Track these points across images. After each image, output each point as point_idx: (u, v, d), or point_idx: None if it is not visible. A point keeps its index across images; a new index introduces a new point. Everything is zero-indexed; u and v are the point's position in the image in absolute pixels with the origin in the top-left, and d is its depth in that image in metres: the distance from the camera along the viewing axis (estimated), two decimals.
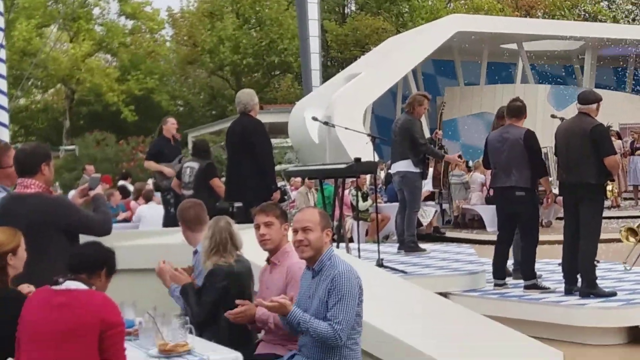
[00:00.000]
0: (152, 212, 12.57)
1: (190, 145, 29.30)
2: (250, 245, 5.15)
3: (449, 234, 16.21)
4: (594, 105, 7.67)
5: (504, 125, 8.17)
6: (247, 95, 8.53)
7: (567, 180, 7.71)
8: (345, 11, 48.27)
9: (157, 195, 12.96)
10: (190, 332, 4.15)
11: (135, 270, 5.75)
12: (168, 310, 4.40)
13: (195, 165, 9.42)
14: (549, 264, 9.31)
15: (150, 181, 15.97)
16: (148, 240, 7.27)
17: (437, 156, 9.41)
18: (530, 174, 7.82)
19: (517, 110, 8.04)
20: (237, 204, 8.08)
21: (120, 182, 19.65)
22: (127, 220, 14.28)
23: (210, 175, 9.35)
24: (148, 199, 13.93)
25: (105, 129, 33.50)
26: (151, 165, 10.48)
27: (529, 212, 7.91)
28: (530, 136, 7.85)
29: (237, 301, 4.62)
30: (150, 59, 42.31)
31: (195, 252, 5.39)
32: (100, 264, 3.93)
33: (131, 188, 17.45)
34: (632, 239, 9.12)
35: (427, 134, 11.66)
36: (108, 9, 41.73)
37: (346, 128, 10.64)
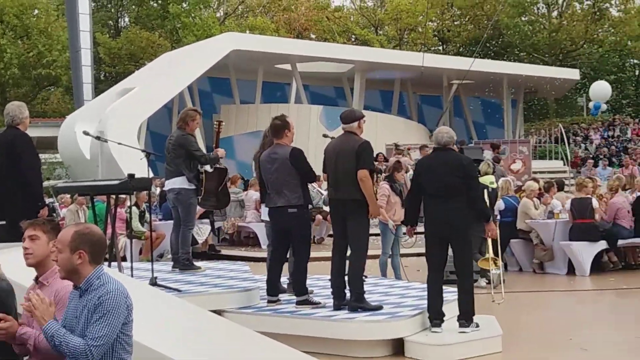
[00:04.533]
0: None
1: None
2: (17, 264, 4.86)
3: (225, 251, 16.24)
4: (356, 124, 7.97)
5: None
6: (17, 108, 8.10)
7: (335, 197, 7.96)
8: (119, 25, 47.31)
9: None
10: None
11: None
12: None
13: None
14: (320, 279, 9.55)
15: None
16: None
17: (216, 161, 9.31)
18: (301, 191, 7.99)
19: (274, 128, 8.19)
20: (0, 222, 7.62)
21: None
22: None
23: None
24: None
25: None
26: None
27: (300, 229, 8.05)
28: (296, 154, 8.00)
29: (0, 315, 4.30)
30: None
31: None
32: None
33: None
34: (496, 265, 9.62)
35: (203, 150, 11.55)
36: None
37: (119, 143, 10.39)
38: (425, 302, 7.64)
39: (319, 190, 16.46)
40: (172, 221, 9.97)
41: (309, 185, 8.73)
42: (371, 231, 8.29)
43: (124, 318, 4.13)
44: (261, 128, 23.54)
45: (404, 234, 11.84)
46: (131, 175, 8.08)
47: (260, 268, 10.18)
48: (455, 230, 7.53)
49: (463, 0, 44.31)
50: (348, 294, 7.83)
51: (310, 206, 8.40)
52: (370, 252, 8.12)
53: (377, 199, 8.32)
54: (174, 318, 6.09)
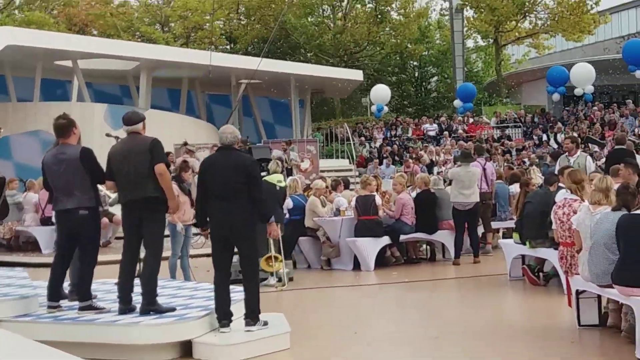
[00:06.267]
0: None
1: None
2: None
3: (1, 257, 15.36)
4: (141, 124, 7.89)
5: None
6: None
7: (131, 198, 7.69)
8: None
9: None
10: None
11: None
12: None
13: None
14: (105, 283, 9.24)
15: None
16: None
17: None
18: (93, 192, 7.73)
19: (60, 128, 7.85)
20: None
21: None
22: None
23: None
24: None
25: None
26: None
27: (90, 232, 7.81)
28: (86, 154, 7.75)
29: None
30: None
31: None
32: None
33: None
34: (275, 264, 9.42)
35: None
36: None
37: None
38: (214, 302, 7.55)
39: (106, 193, 15.88)
40: None
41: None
42: None
43: None
44: (41, 127, 22.57)
45: (194, 234, 11.72)
46: None
47: (41, 274, 9.65)
48: (238, 230, 7.48)
49: (249, 1, 44.56)
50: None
51: (100, 208, 8.11)
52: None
53: None
54: None
